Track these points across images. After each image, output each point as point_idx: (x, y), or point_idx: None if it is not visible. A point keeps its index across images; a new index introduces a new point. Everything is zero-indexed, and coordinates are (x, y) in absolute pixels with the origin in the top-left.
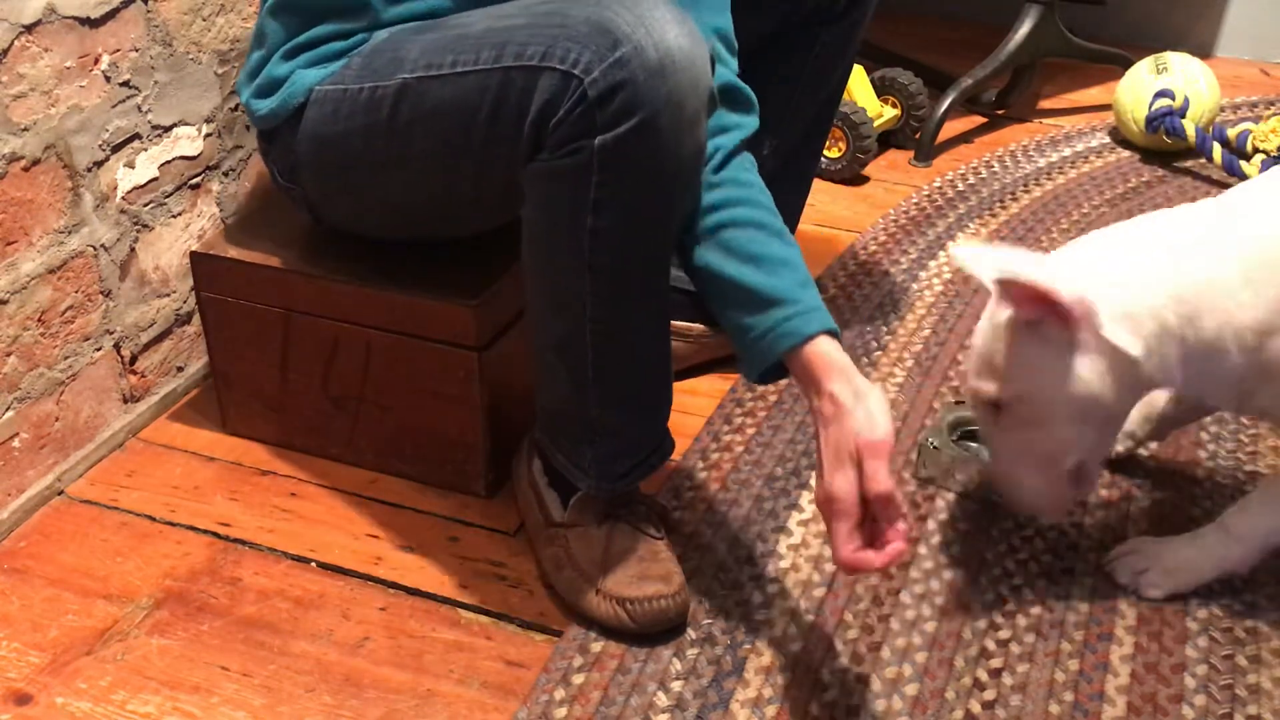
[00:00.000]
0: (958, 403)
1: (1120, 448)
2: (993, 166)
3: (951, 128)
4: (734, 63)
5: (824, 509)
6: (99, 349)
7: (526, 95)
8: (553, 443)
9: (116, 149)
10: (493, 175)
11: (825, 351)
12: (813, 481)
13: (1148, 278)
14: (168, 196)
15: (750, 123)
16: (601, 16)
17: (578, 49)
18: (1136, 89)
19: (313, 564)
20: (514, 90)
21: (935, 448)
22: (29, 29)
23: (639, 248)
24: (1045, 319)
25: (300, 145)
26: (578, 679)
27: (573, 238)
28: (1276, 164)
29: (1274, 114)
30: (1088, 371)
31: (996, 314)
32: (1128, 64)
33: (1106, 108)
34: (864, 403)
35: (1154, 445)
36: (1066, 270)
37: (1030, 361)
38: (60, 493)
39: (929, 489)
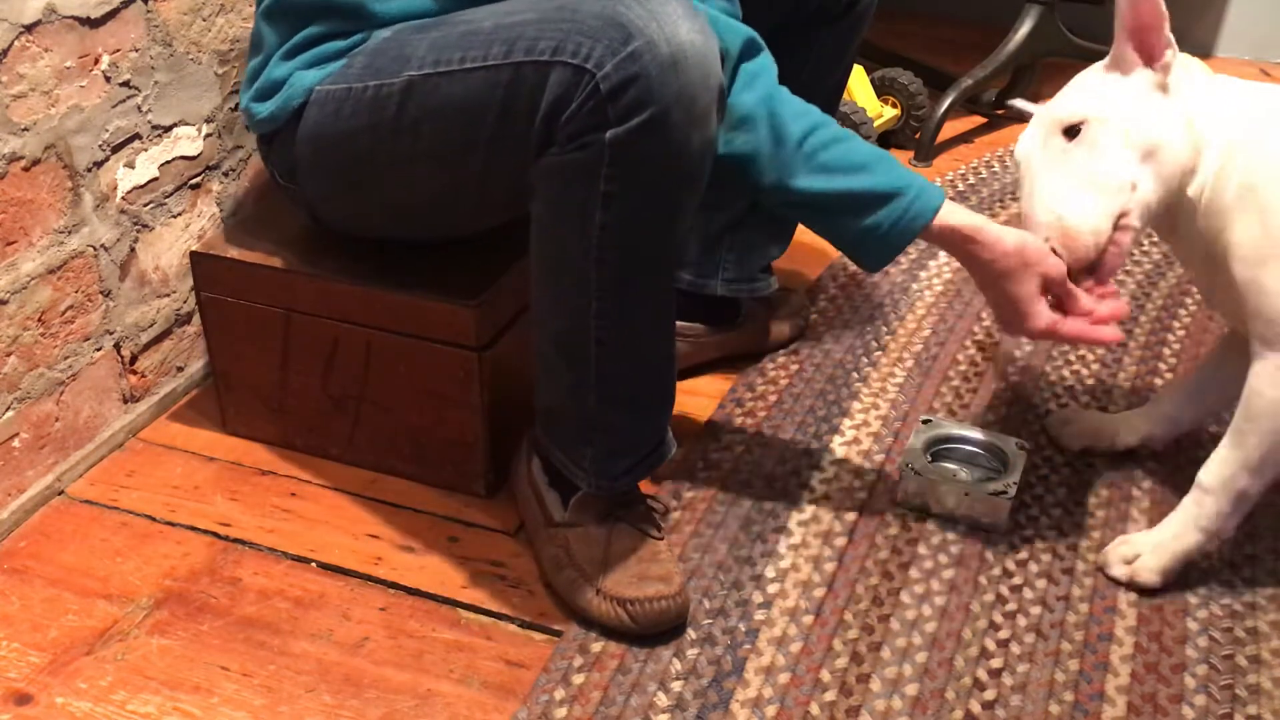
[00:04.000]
0: (925, 422)
1: (1131, 440)
2: (993, 166)
3: (951, 128)
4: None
5: (1046, 333)
6: (99, 349)
7: (538, 90)
8: (552, 441)
9: (116, 149)
10: (501, 171)
11: (959, 213)
12: (813, 482)
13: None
14: (168, 196)
15: (772, 61)
16: (613, 11)
17: (590, 43)
18: None
19: (313, 564)
20: (525, 85)
21: (916, 471)
22: (29, 29)
23: (646, 244)
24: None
25: (301, 146)
26: (578, 679)
27: (581, 232)
28: None
29: None
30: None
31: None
32: None
33: None
34: (1027, 258)
35: (1154, 446)
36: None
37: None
38: (60, 493)
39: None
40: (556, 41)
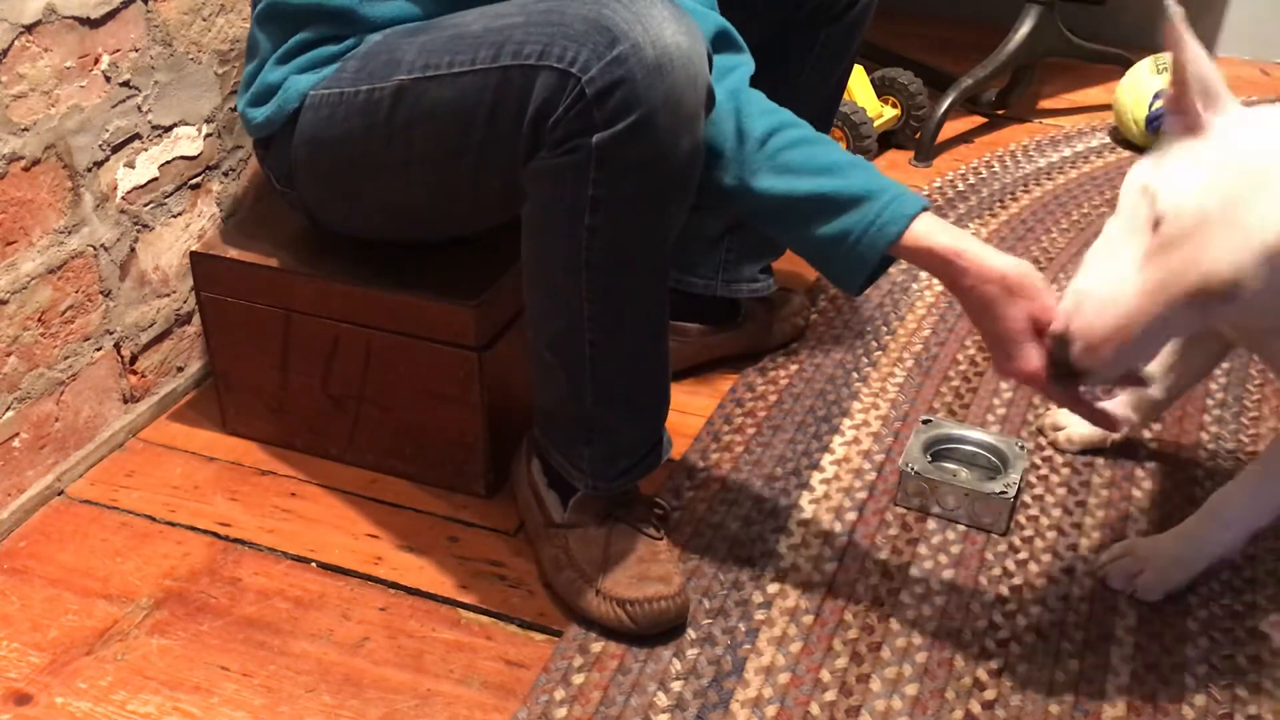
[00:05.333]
0: (925, 422)
1: (1116, 435)
2: (993, 166)
3: (951, 128)
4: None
5: (1030, 380)
6: (99, 349)
7: (525, 94)
8: (550, 442)
9: (116, 149)
10: (491, 175)
11: (939, 228)
12: (813, 482)
13: None
14: (168, 196)
15: (748, 60)
16: (599, 14)
17: (575, 47)
18: (1136, 89)
19: (313, 564)
20: (512, 89)
21: (915, 473)
22: (29, 29)
23: (636, 246)
24: None
25: (297, 150)
26: (578, 679)
27: (570, 236)
28: None
29: None
30: None
31: None
32: (1128, 64)
33: (1106, 108)
34: (1016, 288)
35: (1154, 446)
36: None
37: None
38: (60, 493)
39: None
40: (542, 45)
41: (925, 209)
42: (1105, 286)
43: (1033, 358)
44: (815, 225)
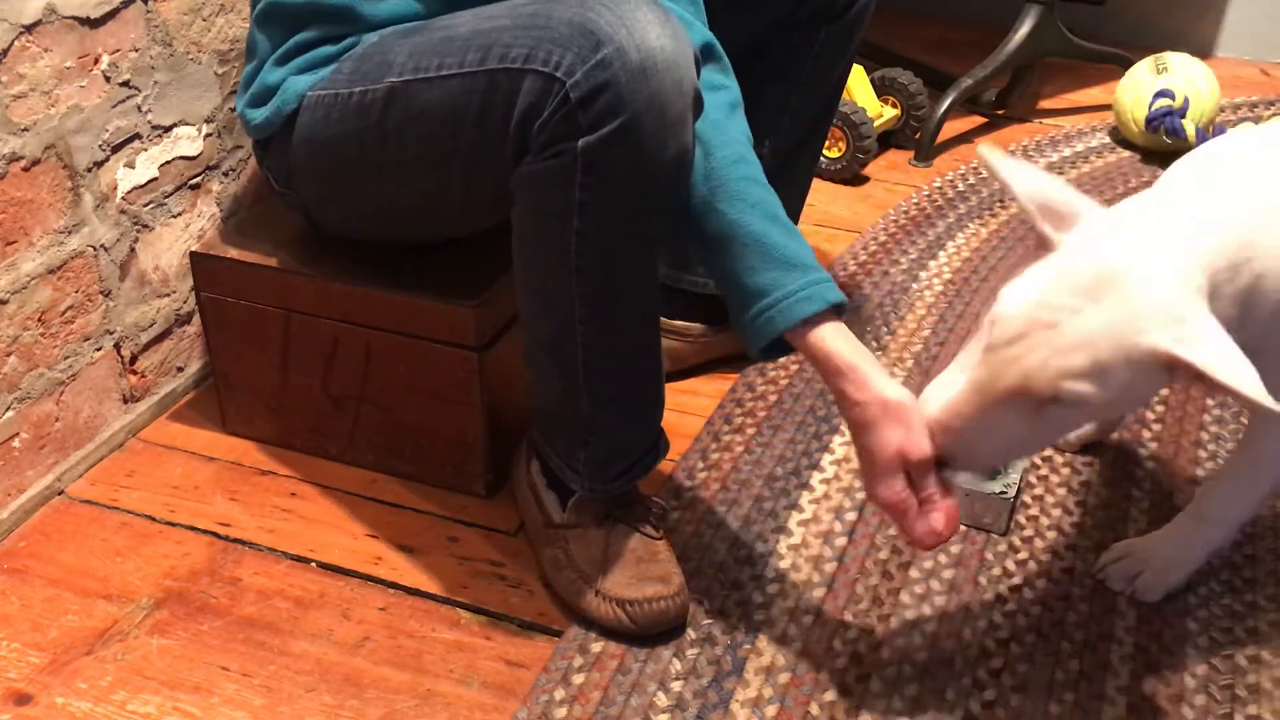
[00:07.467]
0: None
1: (1118, 423)
2: None
3: (951, 128)
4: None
5: (881, 508)
6: (99, 349)
7: (511, 98)
8: (548, 444)
9: (116, 149)
10: (481, 178)
11: (840, 337)
12: (813, 482)
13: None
14: (168, 196)
15: (733, 85)
16: (583, 18)
17: (560, 51)
18: (1136, 89)
19: (313, 564)
20: (499, 93)
21: None
22: (29, 29)
23: (624, 249)
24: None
25: (295, 151)
26: (578, 679)
27: (559, 240)
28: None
29: (1274, 114)
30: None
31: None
32: (1128, 64)
33: (1106, 108)
34: (894, 415)
35: (1154, 446)
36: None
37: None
38: (60, 493)
39: None
40: (528, 49)
41: (843, 306)
42: (939, 385)
43: (895, 486)
44: (743, 268)
